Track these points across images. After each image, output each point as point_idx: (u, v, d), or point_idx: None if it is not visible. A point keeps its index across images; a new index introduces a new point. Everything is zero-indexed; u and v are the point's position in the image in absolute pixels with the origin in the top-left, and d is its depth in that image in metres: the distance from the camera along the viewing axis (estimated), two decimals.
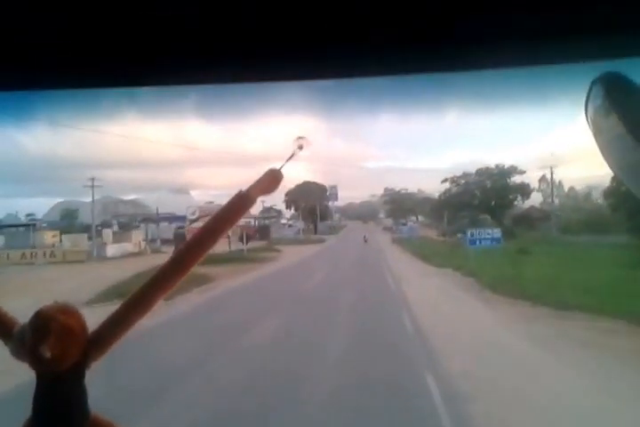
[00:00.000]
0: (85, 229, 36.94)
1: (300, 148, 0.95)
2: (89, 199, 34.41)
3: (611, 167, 0.79)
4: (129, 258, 28.92)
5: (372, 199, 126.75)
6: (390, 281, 19.31)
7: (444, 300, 15.23)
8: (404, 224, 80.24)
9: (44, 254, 29.42)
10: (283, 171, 0.93)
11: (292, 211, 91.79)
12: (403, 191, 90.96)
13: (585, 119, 0.82)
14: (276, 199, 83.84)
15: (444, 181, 56.75)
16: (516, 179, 50.30)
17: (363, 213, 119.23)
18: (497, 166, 52.33)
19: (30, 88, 1.04)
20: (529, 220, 48.93)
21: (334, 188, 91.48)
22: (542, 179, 50.82)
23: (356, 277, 21.28)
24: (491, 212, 54.73)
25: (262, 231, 50.40)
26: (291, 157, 0.94)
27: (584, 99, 0.79)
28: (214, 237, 0.92)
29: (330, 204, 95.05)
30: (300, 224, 75.68)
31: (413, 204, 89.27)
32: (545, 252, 23.62)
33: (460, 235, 48.62)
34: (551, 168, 45.42)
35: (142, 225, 43.54)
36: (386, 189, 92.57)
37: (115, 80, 1.02)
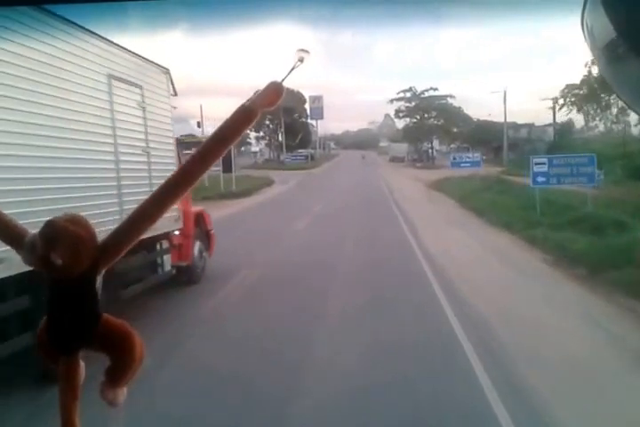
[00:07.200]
0: None
1: (301, 60, 0.93)
2: None
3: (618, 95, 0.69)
4: None
5: (371, 126, 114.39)
6: None
7: None
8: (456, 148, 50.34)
9: None
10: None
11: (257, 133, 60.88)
12: (430, 93, 58.57)
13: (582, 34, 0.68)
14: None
15: None
16: None
17: (360, 142, 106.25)
18: None
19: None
20: None
21: (318, 99, 68.79)
22: None
23: None
24: None
25: None
26: (292, 70, 0.92)
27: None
28: (216, 154, 0.94)
29: (311, 122, 68.82)
30: (266, 152, 59.71)
31: (448, 114, 56.92)
32: None
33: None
34: None
35: None
36: (398, 96, 59.55)
37: None
